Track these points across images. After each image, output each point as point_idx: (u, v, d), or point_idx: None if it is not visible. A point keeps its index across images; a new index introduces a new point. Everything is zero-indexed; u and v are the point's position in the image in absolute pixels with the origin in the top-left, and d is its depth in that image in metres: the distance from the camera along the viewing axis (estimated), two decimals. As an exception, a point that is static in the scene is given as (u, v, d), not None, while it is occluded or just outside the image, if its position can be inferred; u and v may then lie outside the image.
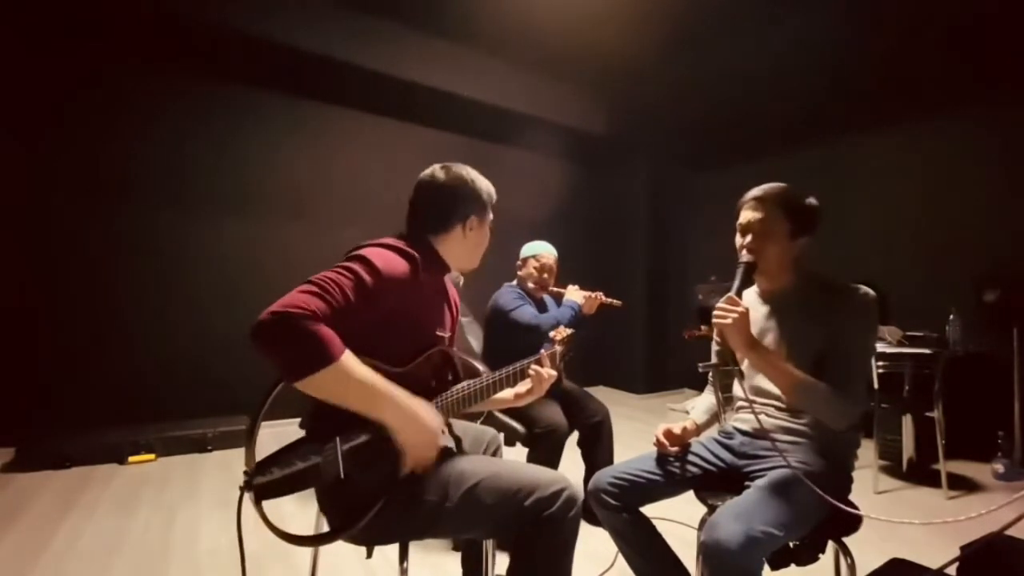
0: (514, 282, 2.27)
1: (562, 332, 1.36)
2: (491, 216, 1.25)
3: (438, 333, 1.15)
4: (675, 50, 3.60)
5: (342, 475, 0.93)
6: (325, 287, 0.88)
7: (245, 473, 0.89)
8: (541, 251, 2.23)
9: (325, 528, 1.04)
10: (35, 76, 2.95)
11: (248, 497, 0.90)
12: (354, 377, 0.87)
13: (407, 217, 1.19)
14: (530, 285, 2.22)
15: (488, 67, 3.92)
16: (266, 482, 0.90)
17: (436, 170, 1.18)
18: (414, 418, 0.94)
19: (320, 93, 3.74)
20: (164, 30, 3.00)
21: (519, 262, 2.28)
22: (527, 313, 2.05)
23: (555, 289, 2.20)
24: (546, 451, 1.86)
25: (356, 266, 0.94)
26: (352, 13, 3.33)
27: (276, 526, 0.93)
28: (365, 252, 0.98)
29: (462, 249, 1.19)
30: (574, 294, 2.11)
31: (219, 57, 3.30)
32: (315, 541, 0.99)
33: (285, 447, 0.94)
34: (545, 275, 2.20)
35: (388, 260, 0.99)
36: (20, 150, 2.93)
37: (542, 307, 2.22)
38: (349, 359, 0.86)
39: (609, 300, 2.11)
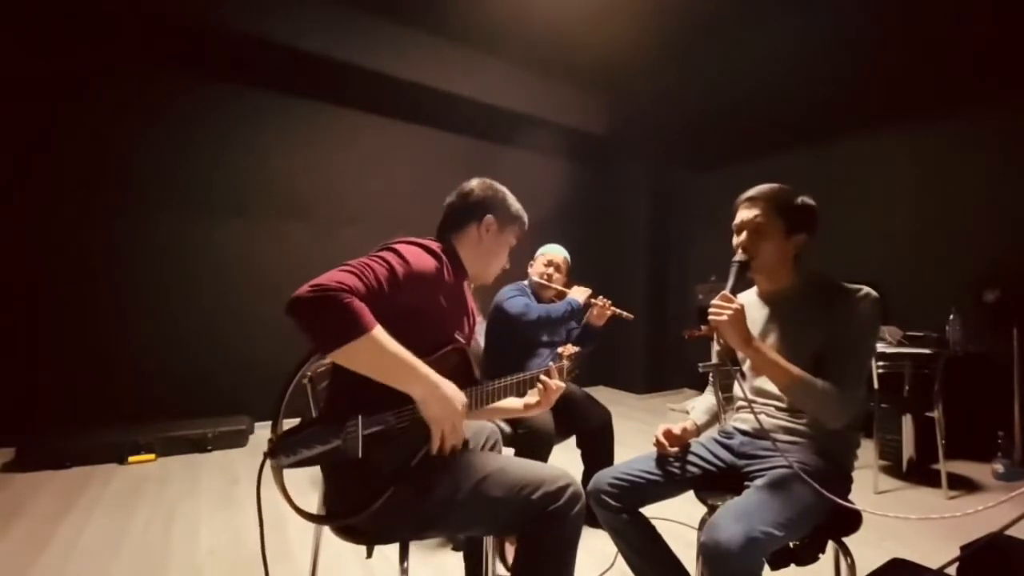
0: (524, 281, 2.26)
1: (569, 349, 1.38)
2: (514, 233, 1.27)
3: (456, 336, 1.17)
4: (675, 50, 3.60)
5: (359, 454, 0.94)
6: (361, 270, 0.93)
7: (270, 440, 0.90)
8: (549, 250, 2.25)
9: None
10: (34, 76, 2.95)
11: (271, 465, 0.92)
12: (387, 349, 0.91)
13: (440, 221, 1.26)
14: (535, 279, 2.21)
15: (488, 67, 3.92)
16: (287, 453, 0.91)
17: (474, 180, 1.26)
18: (441, 393, 0.97)
19: (320, 93, 3.74)
20: (164, 30, 3.00)
21: (531, 261, 2.30)
22: (519, 303, 2.03)
23: (559, 287, 2.17)
24: (529, 453, 1.81)
25: (389, 256, 0.99)
26: (352, 13, 3.33)
27: (293, 500, 0.94)
28: (398, 246, 1.03)
29: (476, 252, 1.22)
30: (576, 292, 2.08)
31: (219, 57, 3.30)
32: (326, 520, 1.01)
33: (306, 422, 0.94)
34: (551, 270, 2.19)
35: (418, 256, 1.04)
36: (19, 150, 2.93)
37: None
38: (381, 332, 0.90)
39: (619, 311, 2.07)
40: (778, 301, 1.29)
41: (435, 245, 1.11)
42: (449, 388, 0.99)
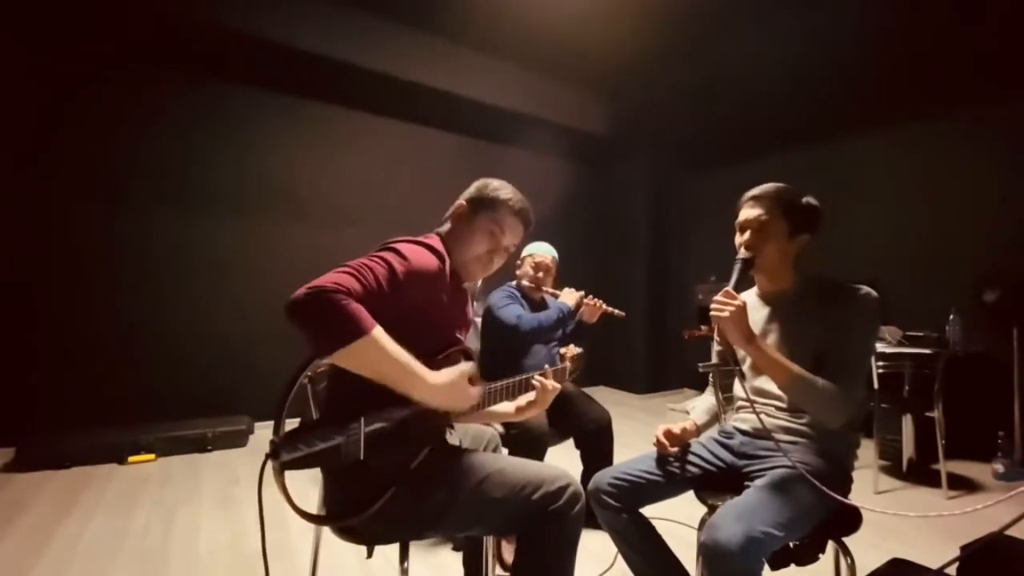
0: (513, 283, 2.25)
1: (572, 350, 1.36)
2: (493, 220, 1.15)
3: (457, 335, 1.16)
4: (675, 50, 3.60)
5: (361, 457, 0.93)
6: (359, 270, 0.91)
7: (272, 442, 0.89)
8: (536, 250, 2.20)
9: None
10: (33, 76, 2.94)
11: (272, 467, 0.90)
12: (387, 350, 0.89)
13: None
14: (525, 283, 2.19)
15: (488, 67, 3.92)
16: (288, 457, 0.90)
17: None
18: (442, 388, 0.97)
19: (320, 93, 3.73)
20: (163, 30, 2.99)
21: (518, 261, 2.26)
22: (511, 312, 2.01)
23: (549, 290, 2.16)
24: (524, 454, 1.76)
25: (389, 256, 0.97)
26: (352, 12, 3.32)
27: (294, 501, 0.93)
28: (399, 245, 1.01)
29: (457, 243, 1.15)
30: (567, 296, 2.06)
31: (218, 57, 3.29)
32: (327, 521, 1.01)
33: (307, 424, 0.93)
34: (540, 274, 2.16)
35: (419, 255, 1.01)
36: (19, 150, 2.93)
37: (542, 307, 2.19)
38: (381, 333, 0.88)
39: (611, 309, 2.06)
40: (778, 301, 1.29)
41: (435, 242, 1.09)
42: (452, 384, 0.99)
